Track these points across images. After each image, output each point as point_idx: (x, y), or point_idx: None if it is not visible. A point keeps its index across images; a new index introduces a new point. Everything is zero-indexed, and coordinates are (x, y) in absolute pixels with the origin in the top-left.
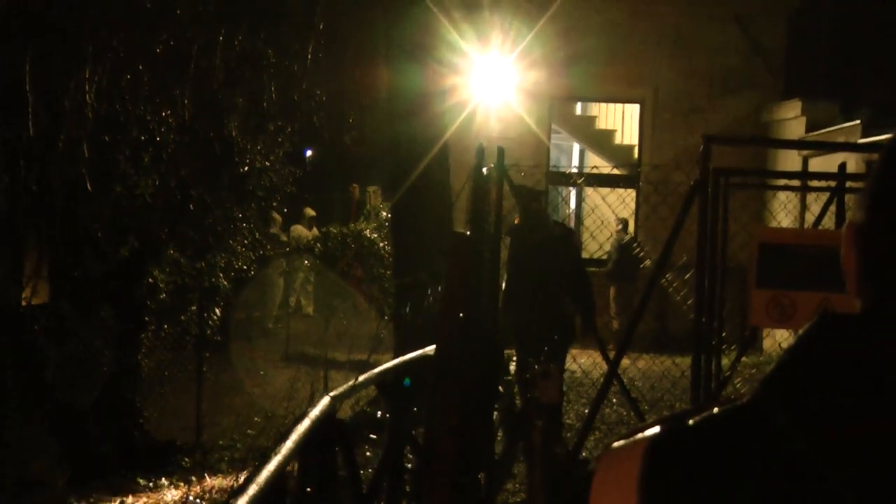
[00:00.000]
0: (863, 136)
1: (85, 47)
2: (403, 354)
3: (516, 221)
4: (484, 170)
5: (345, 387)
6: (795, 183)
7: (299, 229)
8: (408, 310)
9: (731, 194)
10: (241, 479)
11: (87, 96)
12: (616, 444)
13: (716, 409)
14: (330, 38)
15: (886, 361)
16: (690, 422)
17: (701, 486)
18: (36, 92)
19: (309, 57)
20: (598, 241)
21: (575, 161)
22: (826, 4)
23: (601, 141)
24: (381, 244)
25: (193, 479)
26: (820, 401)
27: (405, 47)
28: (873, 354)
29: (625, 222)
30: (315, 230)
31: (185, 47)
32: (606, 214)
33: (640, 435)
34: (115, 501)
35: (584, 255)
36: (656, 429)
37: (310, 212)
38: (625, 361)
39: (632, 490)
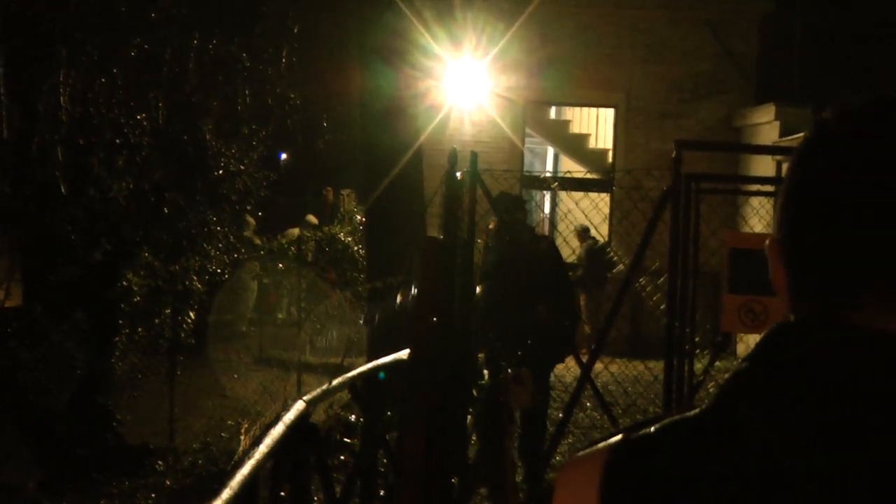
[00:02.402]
0: None
1: (59, 50)
2: (377, 358)
3: (490, 226)
4: (457, 174)
5: (318, 391)
6: (768, 188)
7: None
8: (381, 314)
9: (703, 199)
10: (215, 483)
11: (61, 99)
12: (579, 453)
13: (674, 417)
14: (304, 43)
15: (832, 370)
16: (651, 430)
17: (661, 491)
18: (9, 94)
19: (283, 61)
20: (570, 245)
21: (549, 165)
22: (798, 9)
23: (575, 145)
24: (355, 248)
25: (167, 482)
26: (781, 404)
27: (379, 51)
28: (819, 364)
29: (585, 229)
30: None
31: (159, 51)
32: (580, 219)
33: (601, 444)
34: None
35: None
36: (617, 437)
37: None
38: (598, 366)
39: (592, 498)
